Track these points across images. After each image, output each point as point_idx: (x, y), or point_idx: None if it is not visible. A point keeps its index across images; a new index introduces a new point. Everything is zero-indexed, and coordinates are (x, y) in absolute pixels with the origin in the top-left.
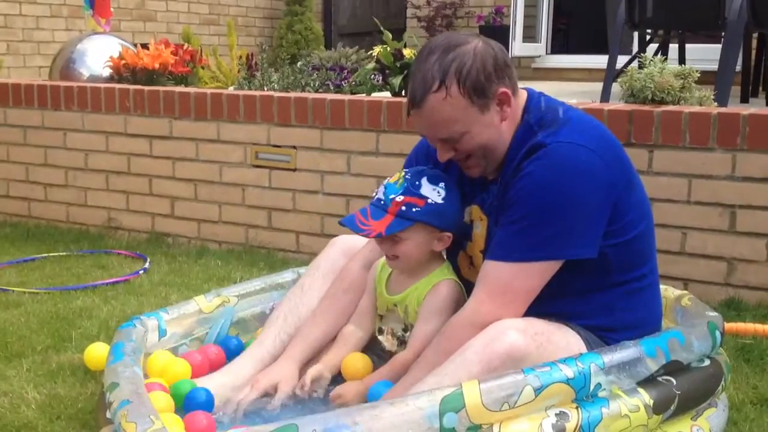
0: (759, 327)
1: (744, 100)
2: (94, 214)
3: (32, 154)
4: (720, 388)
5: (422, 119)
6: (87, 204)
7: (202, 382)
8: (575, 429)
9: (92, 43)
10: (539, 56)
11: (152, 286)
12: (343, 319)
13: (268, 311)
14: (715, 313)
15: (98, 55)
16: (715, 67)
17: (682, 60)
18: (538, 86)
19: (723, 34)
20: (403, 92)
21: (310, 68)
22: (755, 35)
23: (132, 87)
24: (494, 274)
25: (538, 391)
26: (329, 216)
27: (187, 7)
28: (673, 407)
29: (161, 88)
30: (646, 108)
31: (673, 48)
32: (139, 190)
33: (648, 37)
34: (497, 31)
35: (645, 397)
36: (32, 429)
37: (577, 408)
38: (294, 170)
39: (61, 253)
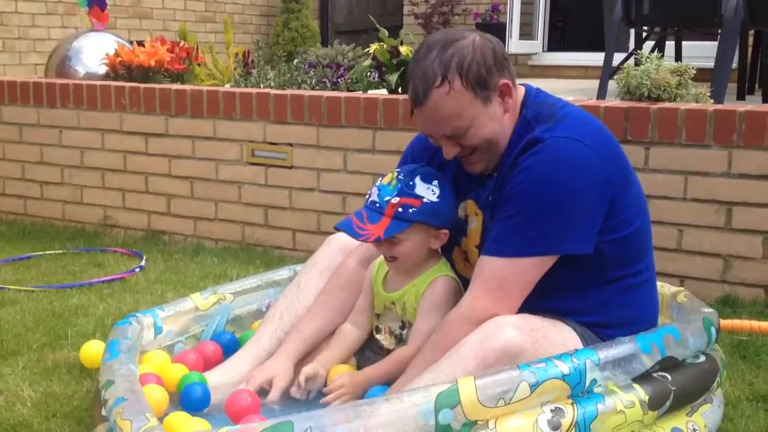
0: (755, 324)
1: (740, 97)
2: (90, 211)
3: (28, 151)
4: (715, 384)
5: (426, 116)
6: (83, 202)
7: None
8: (571, 425)
9: (88, 41)
10: (536, 54)
11: (148, 284)
12: (338, 315)
13: (265, 308)
14: (710, 310)
15: (94, 52)
16: (711, 64)
17: (678, 57)
18: (535, 84)
19: (719, 31)
20: (400, 90)
21: (307, 66)
22: (752, 32)
23: (128, 84)
24: (489, 268)
25: (533, 387)
26: (326, 213)
27: (184, 4)
28: (668, 403)
29: (157, 86)
30: (643, 105)
31: (670, 45)
32: (135, 188)
33: (644, 35)
34: (494, 29)
35: (640, 393)
36: (28, 427)
37: (572, 404)
38: (290, 168)
39: (57, 251)
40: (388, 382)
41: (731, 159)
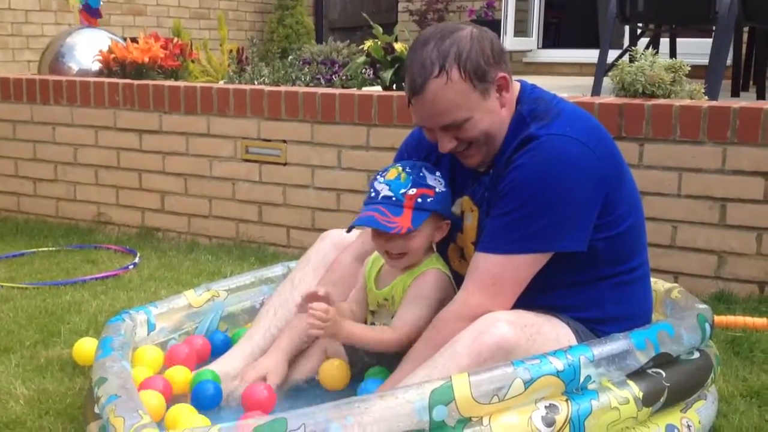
0: (749, 320)
1: (735, 93)
2: (83, 208)
3: (21, 148)
4: (709, 380)
5: (423, 107)
6: (76, 199)
7: None
8: (565, 421)
9: (81, 37)
10: (530, 51)
11: (142, 281)
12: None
13: (258, 306)
14: (704, 306)
15: (87, 49)
16: (706, 60)
17: (673, 54)
18: (530, 81)
19: (714, 28)
20: (394, 87)
21: (301, 62)
22: (746, 29)
23: (121, 81)
24: (483, 265)
25: (527, 383)
26: (320, 210)
27: (178, 1)
28: (662, 399)
29: (151, 82)
30: (637, 101)
31: (665, 42)
32: (129, 185)
33: (639, 31)
34: (488, 26)
35: (634, 389)
36: (20, 424)
37: (566, 400)
38: (284, 164)
39: (50, 248)
40: (360, 347)
41: (725, 155)
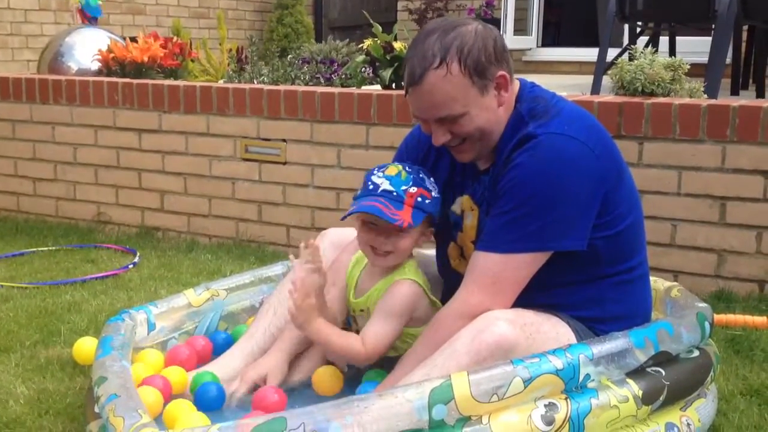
0: (748, 318)
1: (734, 92)
2: (83, 208)
3: (21, 148)
4: (709, 378)
5: (421, 97)
6: (76, 198)
7: None
8: (564, 420)
9: (81, 37)
10: (530, 49)
11: (142, 281)
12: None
13: (258, 305)
14: (704, 304)
15: (87, 48)
16: (705, 59)
17: (672, 52)
18: (529, 79)
19: (713, 26)
20: (393, 85)
21: (300, 61)
22: (745, 27)
23: (121, 80)
24: (483, 264)
25: (527, 382)
26: (319, 209)
27: (177, 0)
28: (662, 398)
29: (150, 82)
30: (637, 100)
31: (664, 41)
32: (129, 184)
33: (638, 30)
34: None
35: (634, 387)
36: (20, 424)
37: (566, 399)
38: (284, 163)
39: (50, 248)
40: (324, 348)
41: (725, 154)
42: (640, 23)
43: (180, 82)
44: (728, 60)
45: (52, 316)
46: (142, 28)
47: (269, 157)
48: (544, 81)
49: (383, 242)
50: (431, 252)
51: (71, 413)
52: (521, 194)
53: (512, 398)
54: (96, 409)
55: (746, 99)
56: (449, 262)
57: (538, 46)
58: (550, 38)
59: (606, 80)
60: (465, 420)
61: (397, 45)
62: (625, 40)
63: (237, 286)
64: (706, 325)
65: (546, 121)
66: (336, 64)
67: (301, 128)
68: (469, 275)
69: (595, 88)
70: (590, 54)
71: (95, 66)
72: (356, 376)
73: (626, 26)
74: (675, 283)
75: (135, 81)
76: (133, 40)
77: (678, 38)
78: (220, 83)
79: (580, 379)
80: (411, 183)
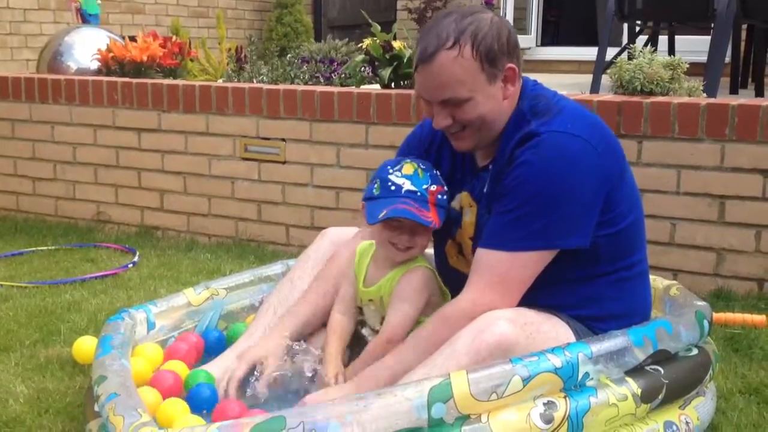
0: (747, 317)
1: (733, 91)
2: (82, 207)
3: (20, 147)
4: (708, 377)
5: (429, 76)
6: (75, 198)
7: None
8: (563, 418)
9: (80, 36)
10: (529, 48)
11: (141, 280)
12: (331, 302)
13: (258, 304)
14: (703, 303)
15: (86, 47)
16: (704, 58)
17: (671, 51)
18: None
19: (712, 25)
20: (393, 85)
21: (300, 61)
22: (744, 26)
23: (120, 80)
24: (489, 263)
25: (526, 380)
26: (319, 208)
27: None
28: (661, 396)
29: (149, 81)
30: (636, 99)
31: (663, 40)
32: (128, 184)
33: (637, 29)
34: None
35: (633, 386)
36: (20, 423)
37: (565, 397)
38: (283, 163)
39: (49, 247)
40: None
41: (724, 153)
42: (639, 22)
43: (179, 82)
44: (727, 59)
45: (52, 316)
46: (141, 28)
47: (268, 157)
48: (543, 80)
49: (408, 240)
50: (429, 251)
51: (71, 412)
52: (525, 192)
53: (511, 397)
54: (96, 408)
55: (745, 98)
56: (447, 260)
57: (537, 45)
58: (549, 37)
59: (605, 79)
60: (464, 418)
61: (397, 44)
62: (624, 39)
63: (237, 285)
64: (705, 323)
65: (548, 119)
66: (335, 63)
67: (301, 127)
68: (475, 274)
69: (594, 87)
70: (589, 53)
71: (94, 65)
72: None
73: (625, 25)
74: (674, 282)
75: (134, 80)
76: (133, 39)
77: (677, 37)
78: (220, 82)
79: (579, 377)
80: (430, 181)
